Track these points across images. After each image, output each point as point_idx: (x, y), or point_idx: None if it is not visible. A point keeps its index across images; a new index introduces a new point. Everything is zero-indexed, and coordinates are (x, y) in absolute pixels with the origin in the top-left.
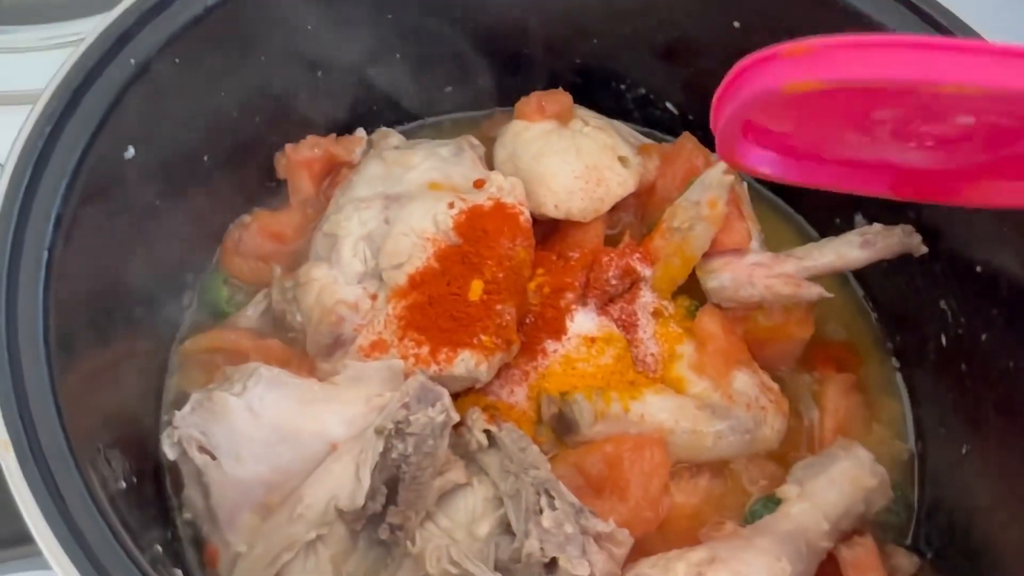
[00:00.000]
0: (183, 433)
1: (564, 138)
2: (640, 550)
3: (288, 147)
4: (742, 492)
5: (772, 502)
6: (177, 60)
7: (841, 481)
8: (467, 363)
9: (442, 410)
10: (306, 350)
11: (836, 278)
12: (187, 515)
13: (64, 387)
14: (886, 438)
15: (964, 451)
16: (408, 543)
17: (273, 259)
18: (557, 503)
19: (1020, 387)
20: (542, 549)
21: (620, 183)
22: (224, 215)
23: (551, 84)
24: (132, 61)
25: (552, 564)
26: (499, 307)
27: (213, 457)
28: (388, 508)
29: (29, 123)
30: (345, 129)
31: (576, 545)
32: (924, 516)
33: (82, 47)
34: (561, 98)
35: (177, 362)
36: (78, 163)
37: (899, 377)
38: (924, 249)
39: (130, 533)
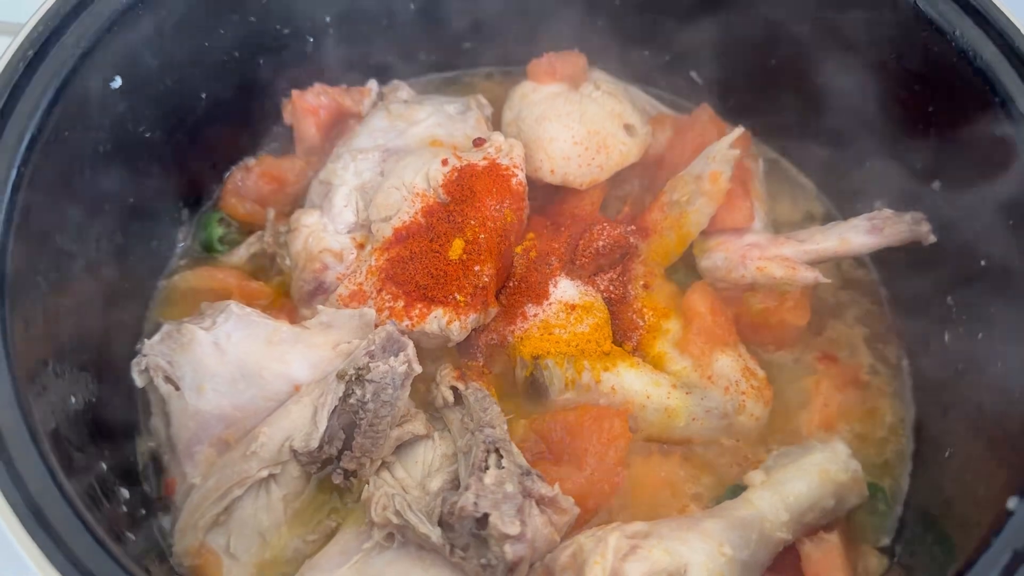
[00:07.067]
0: (150, 361)
1: (570, 102)
2: (600, 522)
3: (294, 93)
4: (720, 476)
5: (741, 488)
6: None
7: (811, 473)
8: (439, 320)
9: (404, 360)
10: (290, 295)
11: (853, 265)
12: (151, 443)
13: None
14: (880, 436)
15: (947, 454)
16: (360, 490)
17: (272, 203)
18: (504, 462)
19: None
20: (476, 504)
21: (623, 152)
22: (227, 155)
23: (573, 44)
24: None
25: (484, 520)
26: (477, 268)
27: (176, 387)
28: (344, 453)
29: (12, 47)
30: (357, 79)
31: (512, 504)
32: (908, 518)
33: None
34: (574, 59)
35: (162, 295)
36: (59, 88)
37: (905, 374)
38: (933, 238)
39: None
